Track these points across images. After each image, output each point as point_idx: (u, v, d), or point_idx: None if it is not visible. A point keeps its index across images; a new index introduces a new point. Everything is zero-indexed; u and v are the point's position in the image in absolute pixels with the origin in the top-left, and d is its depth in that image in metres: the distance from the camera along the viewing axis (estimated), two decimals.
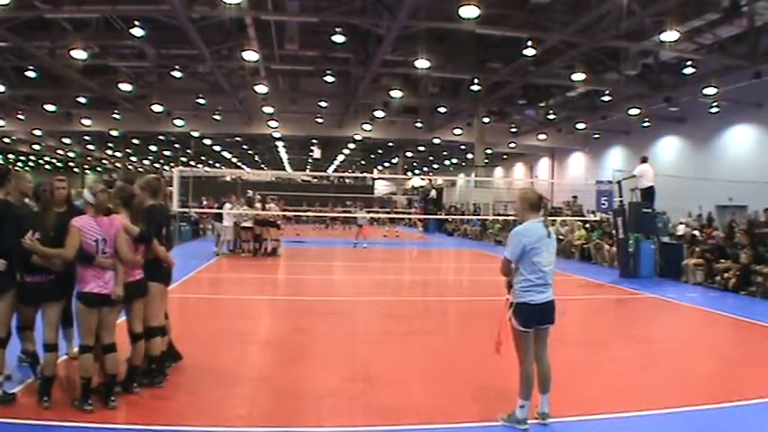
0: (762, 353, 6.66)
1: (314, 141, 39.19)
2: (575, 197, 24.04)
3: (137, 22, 15.61)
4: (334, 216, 31.60)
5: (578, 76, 18.31)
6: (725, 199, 19.99)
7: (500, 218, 25.20)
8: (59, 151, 44.70)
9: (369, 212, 29.47)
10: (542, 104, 25.88)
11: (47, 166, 56.27)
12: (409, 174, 52.94)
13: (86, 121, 29.37)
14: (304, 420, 4.11)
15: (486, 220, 24.97)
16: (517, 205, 4.15)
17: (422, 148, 41.47)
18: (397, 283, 12.77)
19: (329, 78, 21.74)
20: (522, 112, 28.49)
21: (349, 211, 23.76)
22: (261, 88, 21.61)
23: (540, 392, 4.13)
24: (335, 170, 53.28)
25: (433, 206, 32.62)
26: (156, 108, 26.31)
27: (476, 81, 21.38)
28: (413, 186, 47.65)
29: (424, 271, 15.65)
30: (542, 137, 29.81)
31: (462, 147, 35.83)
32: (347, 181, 50.96)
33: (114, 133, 33.80)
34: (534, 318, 4.04)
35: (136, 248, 4.46)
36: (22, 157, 51.41)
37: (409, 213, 34.71)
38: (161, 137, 38.60)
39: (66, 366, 4.93)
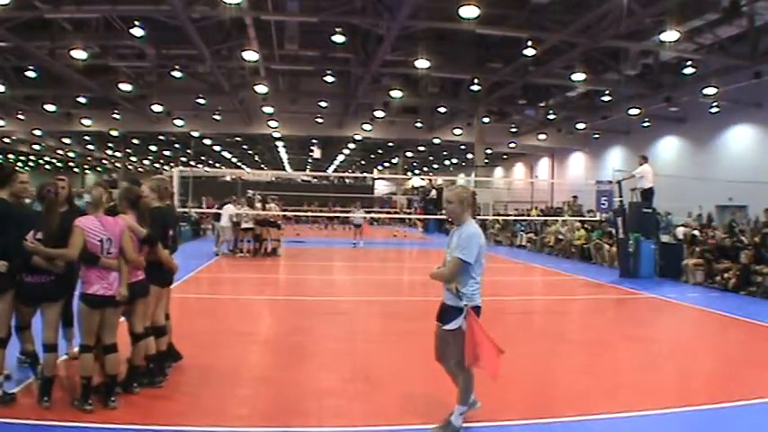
0: (762, 353, 6.66)
1: (314, 141, 39.19)
2: (575, 197, 24.04)
3: (137, 22, 15.61)
4: (333, 216, 31.62)
5: (578, 76, 18.30)
6: (725, 199, 19.99)
7: (500, 218, 25.22)
8: (59, 151, 44.68)
9: (368, 212, 29.56)
10: (542, 104, 25.88)
11: (47, 166, 56.25)
12: (409, 174, 52.92)
13: (86, 121, 29.36)
14: (304, 420, 4.11)
15: (486, 220, 24.96)
16: (454, 206, 3.84)
17: (422, 148, 41.46)
18: (397, 282, 12.78)
19: (329, 78, 21.73)
20: (522, 112, 28.48)
21: (348, 212, 23.77)
22: (261, 88, 21.60)
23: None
24: (335, 170, 53.29)
25: (432, 206, 32.59)
26: (156, 108, 26.29)
27: (476, 81, 21.37)
28: (413, 186, 47.63)
29: (424, 271, 15.63)
30: (542, 137, 29.81)
31: (462, 147, 35.82)
32: (347, 181, 50.95)
33: (114, 133, 33.78)
34: None
35: (140, 249, 4.46)
36: (22, 157, 51.39)
37: (409, 214, 34.73)
38: (161, 137, 38.59)
39: (67, 366, 4.93)
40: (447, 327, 3.83)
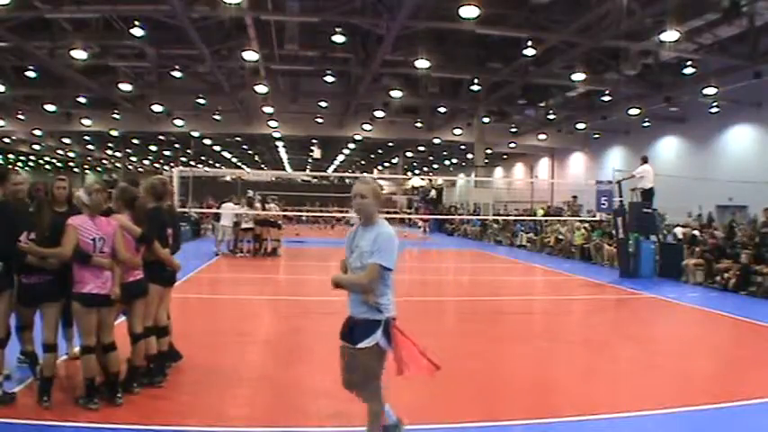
0: (762, 353, 6.65)
1: (314, 141, 39.21)
2: (575, 197, 24.04)
3: (137, 22, 15.63)
4: (331, 216, 31.70)
5: (578, 76, 18.31)
6: (725, 199, 19.99)
7: (500, 218, 25.21)
8: (59, 151, 44.69)
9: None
10: (542, 104, 25.89)
11: (47, 166, 56.27)
12: (409, 174, 52.92)
13: (86, 121, 29.37)
14: (304, 420, 4.11)
15: (486, 220, 24.98)
16: (369, 202, 3.23)
17: (422, 148, 41.46)
18: (397, 282, 12.76)
19: (329, 78, 21.75)
20: (522, 112, 28.49)
21: (345, 211, 23.81)
22: (261, 88, 21.60)
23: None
24: (335, 170, 53.33)
25: (432, 206, 32.64)
26: (156, 108, 26.31)
27: (476, 81, 21.39)
28: (413, 186, 47.66)
29: (423, 271, 15.64)
30: (542, 137, 29.82)
31: (462, 147, 35.83)
32: (347, 181, 50.96)
33: (114, 133, 33.80)
34: None
35: (137, 249, 4.45)
36: (22, 157, 51.40)
37: (409, 214, 34.76)
38: (161, 137, 38.60)
39: (67, 366, 4.92)
40: (361, 345, 3.19)
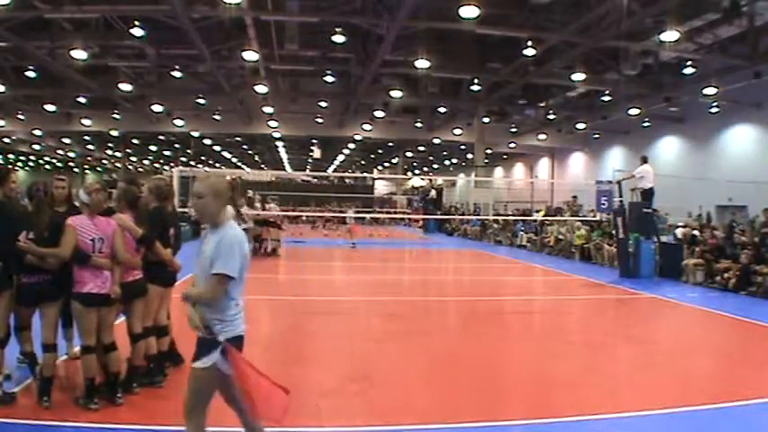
0: (762, 353, 6.65)
1: (314, 141, 39.23)
2: (575, 197, 24.06)
3: (137, 22, 15.65)
4: (329, 216, 31.77)
5: (578, 76, 18.32)
6: (725, 199, 20.01)
7: (500, 218, 25.21)
8: (59, 151, 44.71)
9: (367, 212, 29.58)
10: (542, 104, 25.91)
11: (47, 166, 56.28)
12: (409, 174, 52.93)
13: (86, 121, 29.40)
14: (304, 420, 4.11)
15: (487, 220, 24.98)
16: (207, 201, 2.89)
17: (422, 148, 41.49)
18: (397, 282, 12.77)
19: (329, 78, 21.77)
20: (522, 112, 28.52)
21: (343, 212, 23.84)
22: (261, 88, 21.62)
23: None
24: (335, 170, 53.31)
25: (432, 206, 32.66)
26: (156, 108, 26.33)
27: (476, 81, 21.41)
28: (413, 186, 47.66)
29: (423, 271, 15.64)
30: (542, 137, 29.84)
31: (462, 147, 35.86)
32: (347, 181, 50.99)
33: (114, 133, 33.82)
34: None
35: (137, 250, 4.45)
36: (22, 157, 51.41)
37: (409, 214, 34.80)
38: (161, 137, 38.63)
39: (66, 366, 4.92)
40: (197, 364, 2.88)
